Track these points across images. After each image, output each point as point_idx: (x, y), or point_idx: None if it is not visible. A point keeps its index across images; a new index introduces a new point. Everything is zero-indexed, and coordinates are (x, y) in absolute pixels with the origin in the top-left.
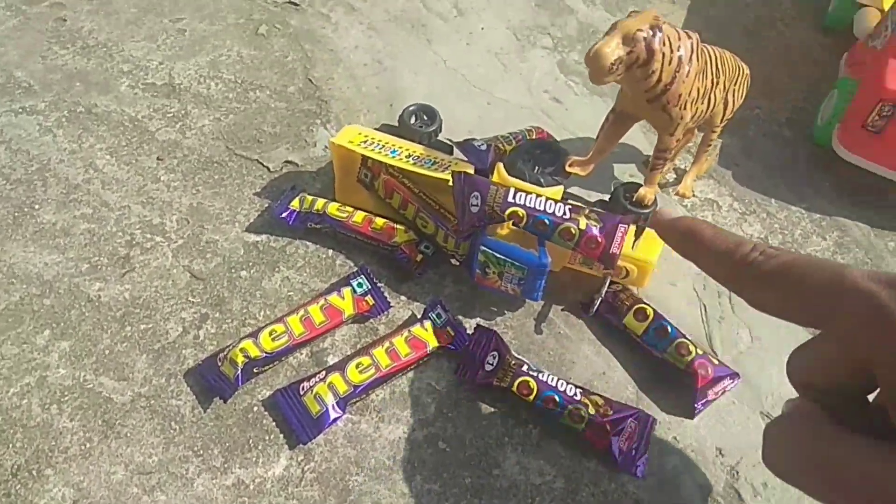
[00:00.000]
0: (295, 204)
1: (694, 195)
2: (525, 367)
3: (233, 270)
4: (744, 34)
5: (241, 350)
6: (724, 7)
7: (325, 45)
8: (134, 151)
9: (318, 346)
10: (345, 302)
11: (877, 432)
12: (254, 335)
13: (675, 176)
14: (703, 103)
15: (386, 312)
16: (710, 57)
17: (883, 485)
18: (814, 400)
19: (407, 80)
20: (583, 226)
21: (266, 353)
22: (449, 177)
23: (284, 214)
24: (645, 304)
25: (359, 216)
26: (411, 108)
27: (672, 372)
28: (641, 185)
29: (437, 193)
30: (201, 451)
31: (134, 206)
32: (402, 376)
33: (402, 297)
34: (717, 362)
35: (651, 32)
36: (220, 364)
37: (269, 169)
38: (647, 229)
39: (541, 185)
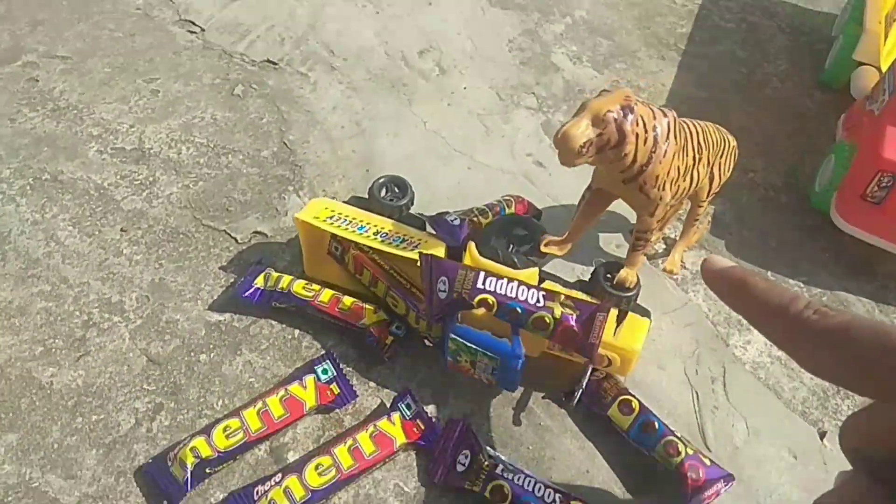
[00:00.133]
0: (259, 281)
1: (684, 267)
2: (500, 468)
3: (192, 354)
4: (736, 91)
5: (192, 449)
6: (715, 63)
7: (302, 105)
8: (98, 222)
9: (279, 440)
10: (307, 392)
11: None
12: (206, 431)
13: (664, 246)
14: (685, 181)
15: (353, 402)
16: (690, 133)
17: None
18: (870, 473)
19: (385, 143)
20: (558, 314)
21: (220, 451)
22: (417, 256)
23: (248, 293)
24: (630, 395)
25: (326, 295)
26: (381, 181)
27: (662, 471)
28: (623, 265)
29: (408, 270)
30: None
31: (93, 283)
32: (368, 476)
33: (371, 384)
34: (709, 462)
35: (622, 113)
36: (169, 464)
37: (236, 240)
38: (630, 314)
39: (515, 266)
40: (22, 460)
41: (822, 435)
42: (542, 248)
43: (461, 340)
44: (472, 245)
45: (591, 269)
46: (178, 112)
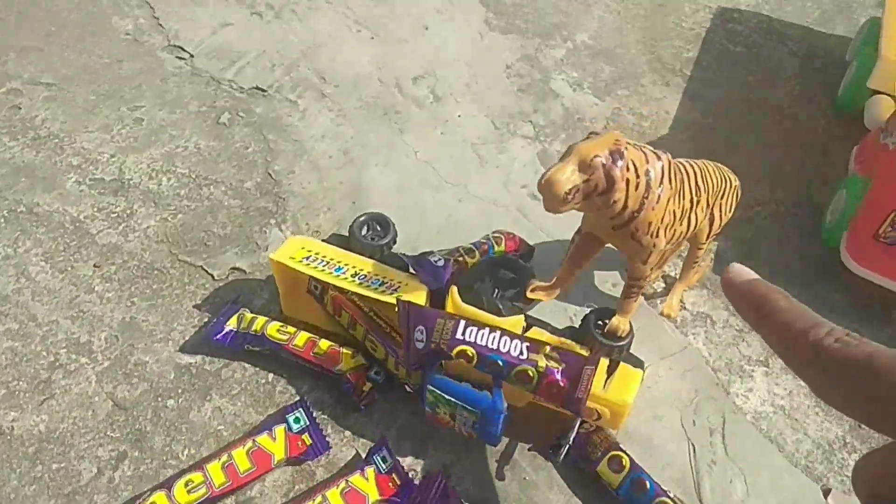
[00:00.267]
0: (232, 322)
1: (684, 308)
2: None
3: (159, 399)
4: (744, 119)
5: None
6: (724, 88)
7: (290, 134)
8: (71, 257)
9: (245, 494)
10: (276, 444)
11: None
12: (167, 485)
13: (664, 285)
14: (681, 225)
15: (326, 453)
16: (687, 174)
17: None
18: None
19: (374, 173)
20: (542, 367)
21: None
22: (395, 301)
23: (220, 335)
24: (620, 451)
25: (301, 338)
26: (362, 219)
27: None
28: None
29: (388, 313)
30: None
31: (63, 321)
32: None
33: (347, 433)
34: None
35: (611, 158)
36: None
37: (213, 277)
38: (622, 364)
39: (500, 313)
40: None
41: (827, 492)
42: (529, 294)
43: (439, 392)
44: (454, 290)
45: (584, 311)
46: (162, 141)
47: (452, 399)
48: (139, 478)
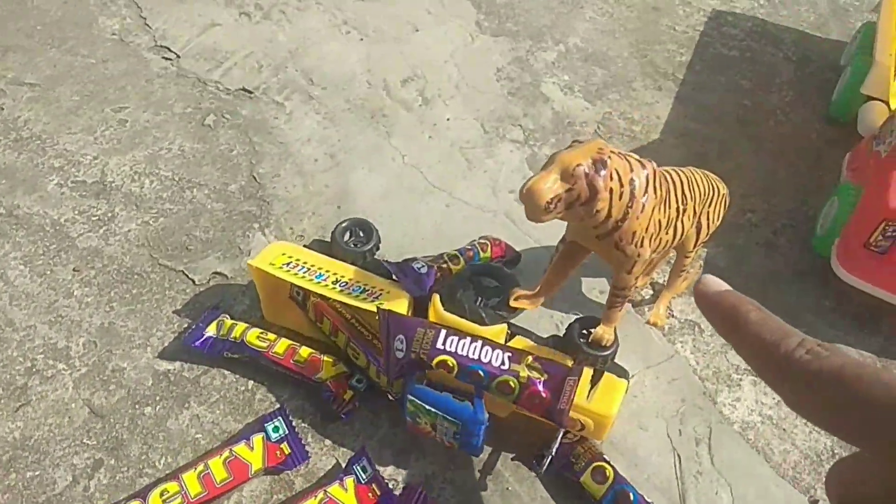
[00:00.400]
0: (212, 329)
1: (671, 315)
2: None
3: (136, 406)
4: (737, 124)
5: None
6: (716, 93)
7: (276, 136)
8: (50, 261)
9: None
10: (253, 454)
11: None
12: (142, 495)
13: (652, 292)
14: (667, 234)
15: (305, 463)
16: (673, 183)
17: None
18: None
19: (360, 177)
20: (524, 378)
21: None
22: (376, 308)
23: (198, 342)
24: (604, 461)
25: (281, 346)
26: (345, 224)
27: None
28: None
29: (369, 320)
30: None
31: (40, 327)
32: None
33: (328, 441)
34: None
35: (594, 167)
36: None
37: (194, 282)
38: (606, 374)
39: (482, 321)
40: None
41: (814, 503)
42: (512, 303)
43: (420, 402)
44: (436, 298)
45: (570, 320)
46: (145, 143)
47: (433, 409)
48: (115, 486)
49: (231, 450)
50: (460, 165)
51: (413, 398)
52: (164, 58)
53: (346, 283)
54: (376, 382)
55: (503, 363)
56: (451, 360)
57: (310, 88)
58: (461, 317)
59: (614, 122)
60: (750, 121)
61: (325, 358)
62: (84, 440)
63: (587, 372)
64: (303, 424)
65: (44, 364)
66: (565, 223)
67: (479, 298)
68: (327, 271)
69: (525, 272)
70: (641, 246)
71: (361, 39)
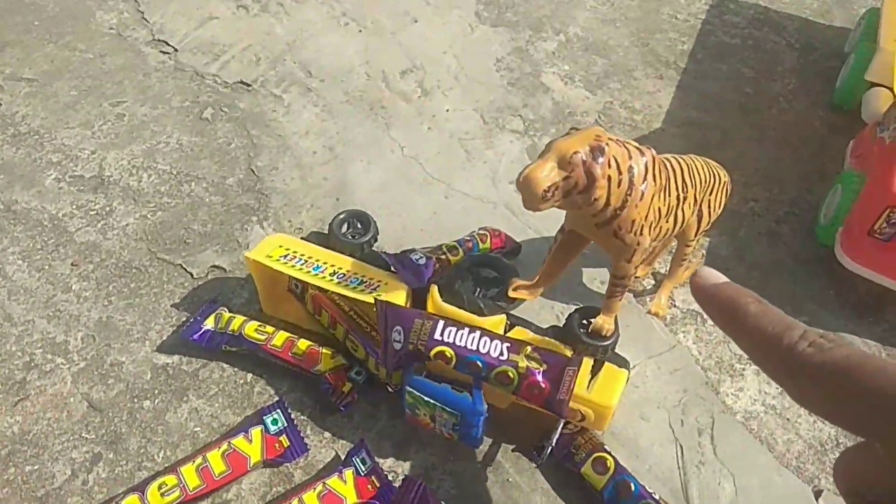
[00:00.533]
0: (210, 322)
1: (673, 305)
2: None
3: (135, 400)
4: (740, 113)
5: None
6: (719, 81)
7: (274, 129)
8: (48, 256)
9: (221, 496)
10: (252, 446)
11: None
12: (141, 488)
13: (653, 282)
14: (667, 222)
15: (304, 455)
16: (673, 170)
17: None
18: None
19: (358, 169)
20: (523, 368)
21: None
22: (373, 300)
23: (196, 335)
24: (605, 452)
25: (279, 338)
26: (342, 216)
27: None
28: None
29: (368, 312)
30: None
31: (38, 321)
32: None
33: (327, 434)
34: None
35: (592, 154)
36: None
37: (192, 275)
38: (606, 364)
39: (480, 312)
40: None
41: (818, 494)
42: (511, 293)
43: (418, 394)
44: (434, 289)
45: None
46: (143, 137)
47: (431, 400)
48: (114, 480)
49: (229, 442)
50: (459, 157)
51: (411, 389)
52: (161, 52)
53: (344, 274)
54: (375, 374)
55: (502, 353)
56: (449, 351)
57: (308, 81)
58: (459, 308)
59: (615, 111)
60: (752, 109)
61: (324, 350)
62: (83, 434)
63: (587, 362)
64: (302, 417)
65: (42, 358)
66: (564, 212)
67: (478, 289)
68: (325, 263)
69: (525, 263)
70: (641, 234)
71: (360, 31)
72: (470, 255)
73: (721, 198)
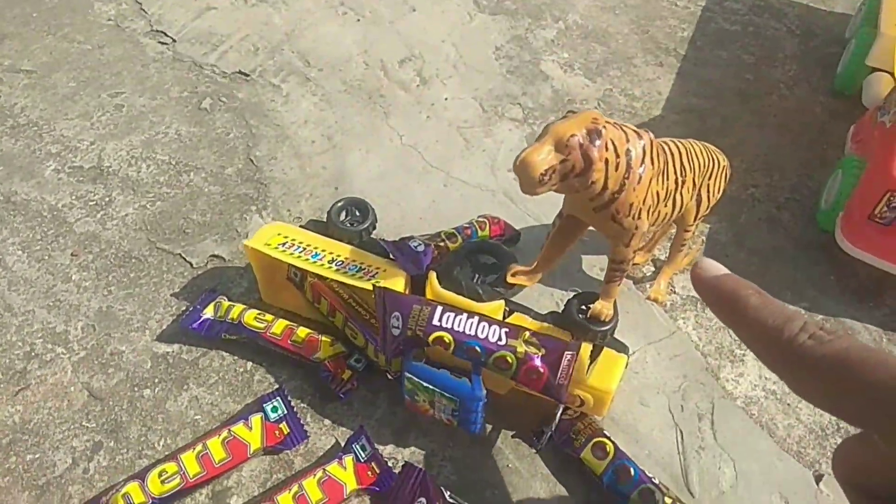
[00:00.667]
0: (209, 311)
1: (673, 291)
2: None
3: (135, 389)
4: (740, 99)
5: (125, 495)
6: (719, 68)
7: (272, 119)
8: (48, 246)
9: (222, 484)
10: (252, 433)
11: None
12: (141, 476)
13: (654, 269)
14: (666, 206)
15: (304, 442)
16: (671, 154)
17: None
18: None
19: (357, 158)
20: (521, 353)
21: (154, 497)
22: (372, 287)
23: (196, 324)
24: (605, 437)
25: (279, 326)
26: (341, 203)
27: None
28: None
29: (367, 299)
30: None
31: (39, 311)
32: None
33: (326, 421)
34: None
35: (589, 137)
36: None
37: (191, 265)
38: (606, 349)
39: (479, 298)
40: None
41: (819, 478)
42: (509, 279)
43: (417, 380)
44: (433, 275)
45: (569, 296)
46: (142, 128)
47: (430, 386)
48: (114, 468)
49: (229, 430)
50: (458, 145)
51: (410, 375)
52: (160, 42)
53: (343, 262)
54: (374, 362)
55: (500, 339)
56: (447, 337)
57: (306, 70)
58: (458, 294)
59: (615, 98)
60: (752, 95)
61: (323, 338)
62: (83, 423)
63: (586, 347)
64: (301, 404)
65: (43, 348)
66: (563, 198)
67: (477, 275)
68: (323, 251)
69: (526, 251)
70: (639, 218)
71: (358, 20)
72: (468, 241)
73: (720, 182)
